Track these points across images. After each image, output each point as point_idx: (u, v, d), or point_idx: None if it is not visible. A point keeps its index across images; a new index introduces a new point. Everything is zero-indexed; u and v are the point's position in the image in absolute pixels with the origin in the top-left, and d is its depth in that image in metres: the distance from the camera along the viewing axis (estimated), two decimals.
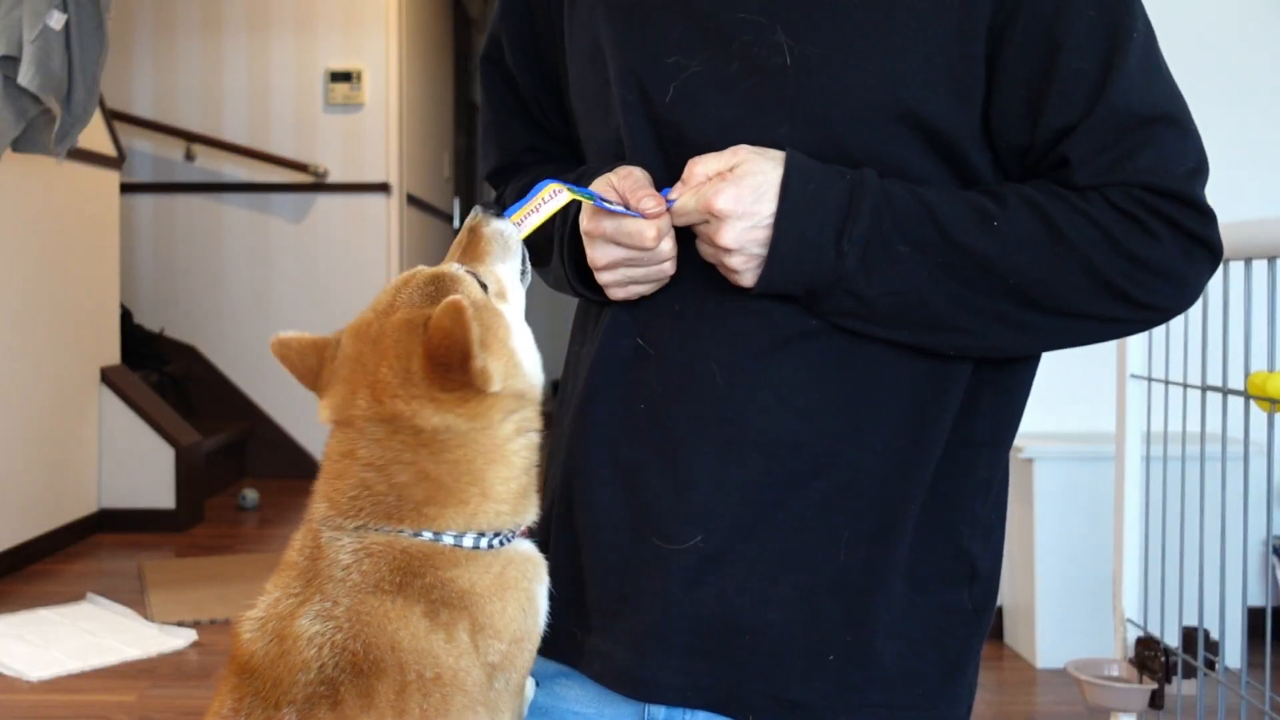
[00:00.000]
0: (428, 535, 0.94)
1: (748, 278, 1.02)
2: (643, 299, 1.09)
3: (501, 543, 0.98)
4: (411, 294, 0.98)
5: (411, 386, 0.94)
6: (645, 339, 1.09)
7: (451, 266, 1.01)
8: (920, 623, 1.07)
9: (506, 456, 0.97)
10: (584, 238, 1.08)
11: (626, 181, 1.05)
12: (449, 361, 0.92)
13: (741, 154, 1.02)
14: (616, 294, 1.08)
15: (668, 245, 1.04)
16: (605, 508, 1.09)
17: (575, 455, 1.11)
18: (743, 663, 1.04)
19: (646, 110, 1.08)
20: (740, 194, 1.00)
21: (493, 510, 0.97)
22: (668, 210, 1.03)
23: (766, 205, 1.00)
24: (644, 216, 1.02)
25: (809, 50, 1.02)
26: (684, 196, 1.02)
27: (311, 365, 1.01)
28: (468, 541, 0.96)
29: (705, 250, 1.04)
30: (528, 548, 1.01)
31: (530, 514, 1.01)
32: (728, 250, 1.01)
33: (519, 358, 0.99)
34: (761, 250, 1.00)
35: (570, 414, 1.13)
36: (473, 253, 1.04)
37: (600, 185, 1.06)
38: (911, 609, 1.07)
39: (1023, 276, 1.00)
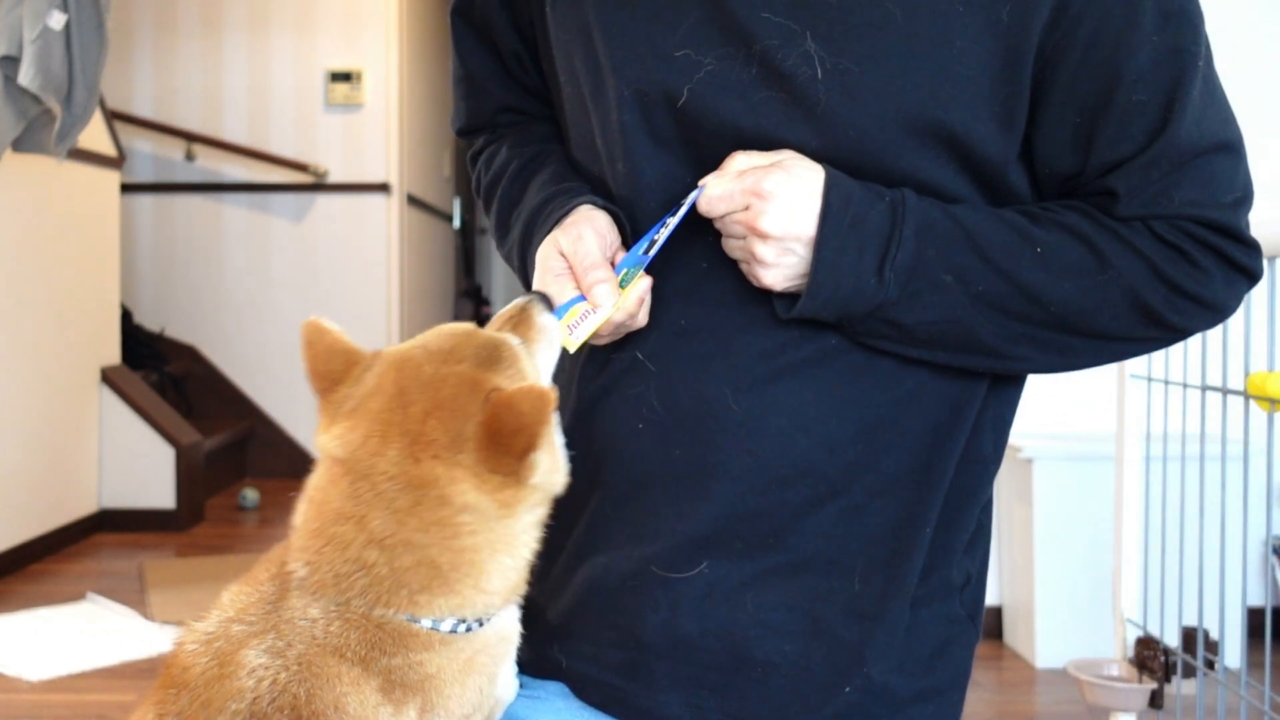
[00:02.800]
0: (405, 616, 0.89)
1: (774, 274, 0.96)
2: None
3: (480, 624, 0.92)
4: (474, 350, 0.91)
5: (459, 453, 0.87)
6: (645, 354, 1.03)
7: (511, 338, 0.95)
8: (924, 639, 1.05)
9: (515, 548, 0.91)
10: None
11: (577, 249, 1.00)
12: (511, 446, 0.86)
13: (786, 153, 0.97)
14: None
15: (637, 317, 1.00)
16: (602, 530, 1.04)
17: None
18: (754, 696, 1.01)
19: (645, 109, 1.01)
20: (790, 180, 0.94)
21: (482, 602, 0.91)
22: (623, 284, 0.98)
23: (814, 202, 0.94)
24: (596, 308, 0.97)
25: (844, 64, 0.95)
26: (722, 179, 0.96)
27: (333, 370, 0.94)
28: (445, 626, 0.90)
29: (733, 245, 0.98)
30: (504, 625, 0.96)
31: (516, 598, 0.95)
32: (765, 236, 0.94)
33: (559, 455, 0.93)
34: (799, 248, 0.95)
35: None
36: (524, 334, 0.97)
37: (548, 248, 1.02)
38: (916, 626, 1.04)
39: (1065, 305, 0.97)
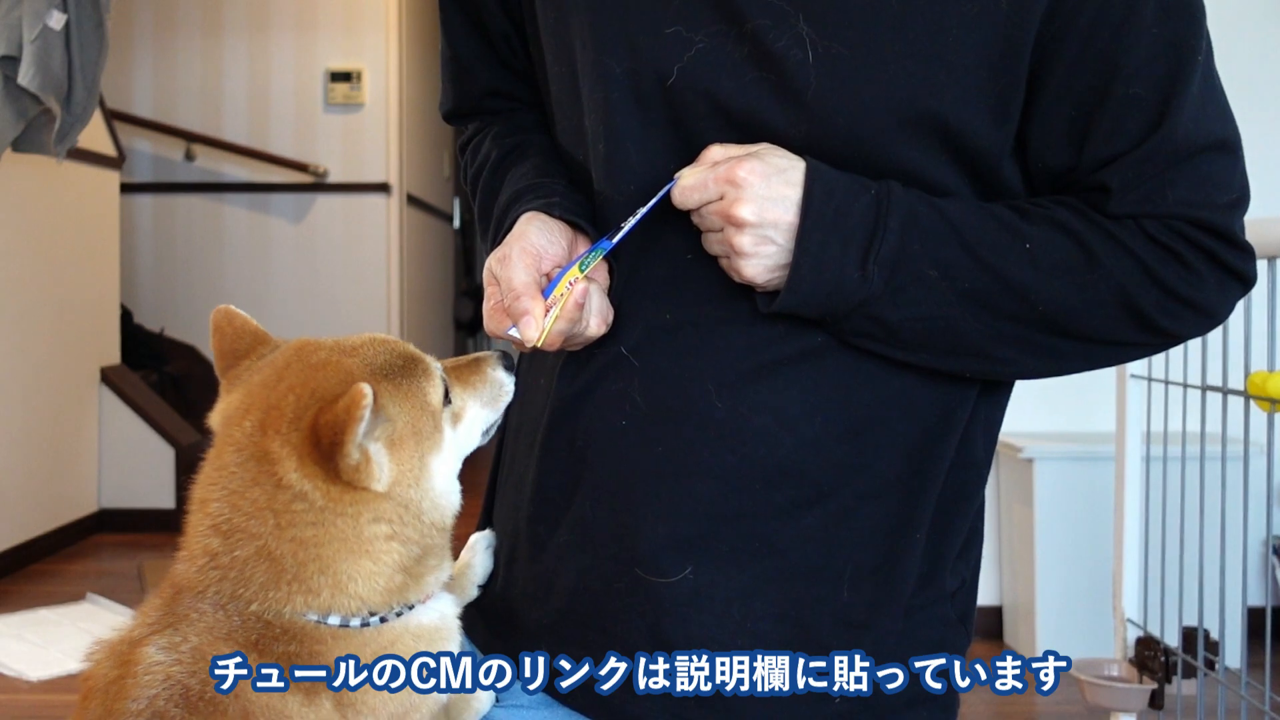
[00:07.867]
0: (285, 611, 0.86)
1: (754, 265, 0.93)
2: (629, 306, 1.01)
3: (383, 619, 0.89)
4: (378, 353, 0.90)
5: (295, 431, 0.85)
6: (629, 349, 1.00)
7: (435, 365, 0.94)
8: (916, 645, 1.03)
9: (370, 552, 0.88)
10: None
11: (501, 274, 0.97)
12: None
13: (763, 144, 0.95)
14: None
15: (589, 326, 0.97)
16: (586, 531, 1.01)
17: (548, 469, 1.04)
18: (740, 706, 0.98)
19: (634, 87, 0.98)
20: (765, 168, 0.92)
21: (352, 603, 0.88)
22: (556, 313, 0.95)
23: (792, 190, 0.92)
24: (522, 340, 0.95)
25: (836, 49, 0.92)
26: (696, 170, 0.94)
27: (238, 349, 0.93)
28: (333, 620, 0.87)
29: (711, 239, 0.95)
30: (423, 621, 0.92)
31: (424, 591, 0.92)
32: (741, 225, 0.92)
33: (430, 479, 0.91)
34: (778, 237, 0.92)
35: (541, 422, 1.05)
36: (463, 376, 0.98)
37: (486, 271, 1.00)
38: (907, 632, 1.03)
39: (1054, 304, 0.94)
